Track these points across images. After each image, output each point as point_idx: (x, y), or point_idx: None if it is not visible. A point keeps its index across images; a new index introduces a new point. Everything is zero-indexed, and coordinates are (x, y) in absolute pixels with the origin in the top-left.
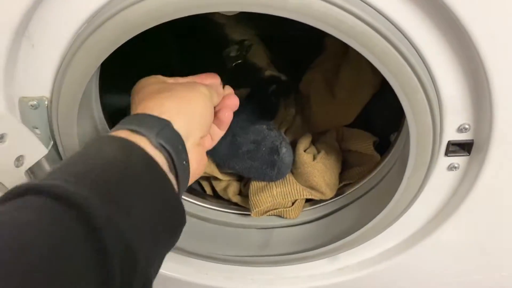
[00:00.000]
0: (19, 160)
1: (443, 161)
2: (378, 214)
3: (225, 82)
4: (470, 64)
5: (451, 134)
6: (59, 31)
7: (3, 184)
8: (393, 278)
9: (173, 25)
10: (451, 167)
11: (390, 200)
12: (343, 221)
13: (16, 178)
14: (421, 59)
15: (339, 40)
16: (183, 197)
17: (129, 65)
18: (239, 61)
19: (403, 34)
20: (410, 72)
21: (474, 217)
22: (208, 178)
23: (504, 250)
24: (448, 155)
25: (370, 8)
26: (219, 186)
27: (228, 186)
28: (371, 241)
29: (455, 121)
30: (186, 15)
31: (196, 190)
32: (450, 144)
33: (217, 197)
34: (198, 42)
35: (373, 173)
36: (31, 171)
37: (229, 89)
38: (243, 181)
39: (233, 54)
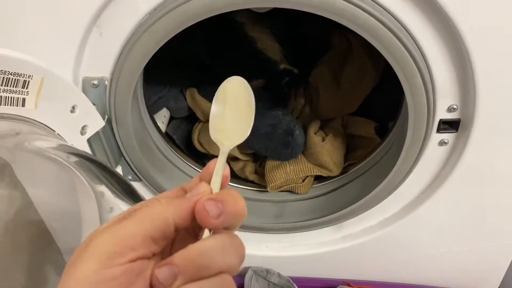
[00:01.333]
0: (84, 129)
1: (435, 137)
2: (378, 185)
3: (244, 74)
4: (458, 53)
5: (442, 113)
6: (124, 22)
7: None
8: (391, 244)
9: (199, 24)
10: (441, 143)
11: (389, 172)
12: (347, 194)
13: (81, 144)
14: (419, 49)
15: (345, 38)
16: None
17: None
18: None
19: (405, 28)
20: (410, 59)
21: (460, 188)
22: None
23: (488, 221)
24: (439, 131)
25: (378, 6)
26: (236, 167)
27: (245, 166)
28: (371, 211)
29: (445, 102)
30: (234, 9)
31: None
32: (441, 122)
33: (234, 177)
34: (222, 39)
35: (374, 154)
36: (89, 142)
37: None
38: (258, 162)
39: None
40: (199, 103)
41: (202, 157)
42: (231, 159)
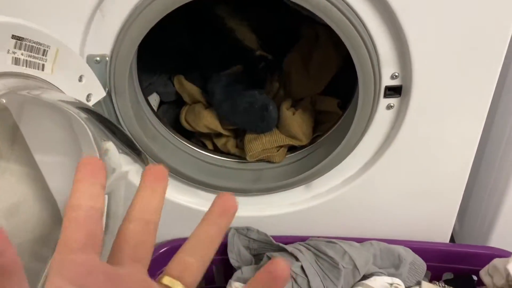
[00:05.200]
0: (88, 97)
1: (383, 102)
2: (337, 147)
3: (225, 60)
4: (396, 29)
5: (386, 80)
6: (123, 7)
7: None
8: (354, 199)
9: (184, 17)
10: (388, 106)
11: (346, 134)
12: (314, 159)
13: None
14: (364, 26)
15: (313, 30)
16: (191, 146)
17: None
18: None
19: (351, 9)
20: (356, 34)
21: (405, 150)
22: (210, 137)
23: (431, 180)
24: (386, 97)
25: None
26: (219, 142)
27: (227, 141)
28: (335, 171)
29: (389, 70)
30: None
31: (199, 145)
32: (387, 88)
33: (217, 151)
34: (204, 30)
35: (336, 125)
36: None
37: None
38: (239, 138)
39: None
40: (186, 87)
41: (189, 136)
42: (215, 135)
